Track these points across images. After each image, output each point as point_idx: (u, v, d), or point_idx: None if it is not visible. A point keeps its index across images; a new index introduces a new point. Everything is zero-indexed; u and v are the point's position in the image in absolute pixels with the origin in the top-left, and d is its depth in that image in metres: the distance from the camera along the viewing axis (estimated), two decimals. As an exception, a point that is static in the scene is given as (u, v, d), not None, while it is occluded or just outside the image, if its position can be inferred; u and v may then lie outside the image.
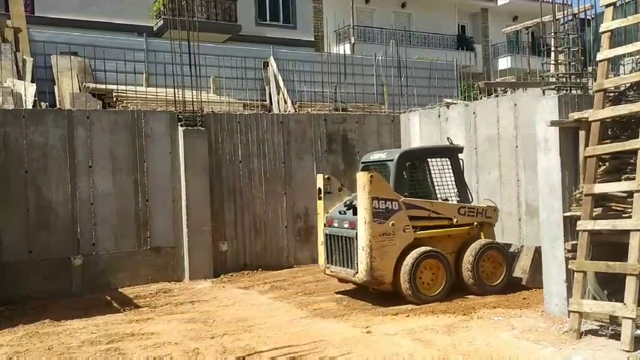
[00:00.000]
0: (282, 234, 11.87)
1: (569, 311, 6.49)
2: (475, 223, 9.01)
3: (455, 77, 17.63)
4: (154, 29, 19.97)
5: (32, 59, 12.88)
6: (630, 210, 6.19)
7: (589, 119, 6.75)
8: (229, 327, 7.42)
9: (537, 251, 8.80)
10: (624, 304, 5.89)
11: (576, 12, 7.95)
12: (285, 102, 14.72)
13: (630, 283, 5.88)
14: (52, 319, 8.09)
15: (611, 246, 6.41)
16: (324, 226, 9.11)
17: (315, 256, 9.78)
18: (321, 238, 9.25)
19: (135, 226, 10.54)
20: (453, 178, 9.19)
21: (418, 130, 12.94)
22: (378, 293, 8.52)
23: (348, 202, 8.87)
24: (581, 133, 6.87)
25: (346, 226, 8.60)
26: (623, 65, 8.91)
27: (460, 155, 9.35)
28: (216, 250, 11.11)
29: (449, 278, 8.44)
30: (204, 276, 10.71)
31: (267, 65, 15.77)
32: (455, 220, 8.78)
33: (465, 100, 13.91)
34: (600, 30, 7.10)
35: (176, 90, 11.09)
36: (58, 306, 8.92)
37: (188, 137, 10.88)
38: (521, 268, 9.01)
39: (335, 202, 9.13)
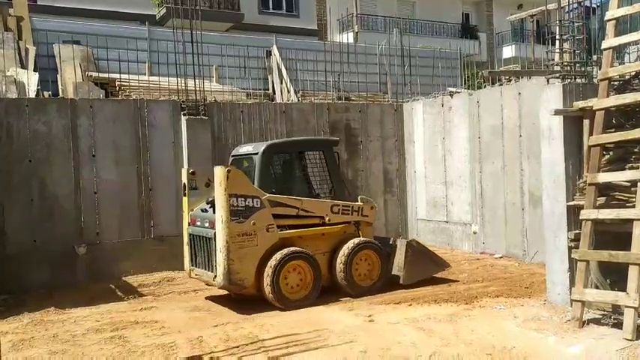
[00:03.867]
0: (285, 223, 11.87)
1: (572, 300, 6.50)
2: (352, 222, 8.52)
3: (459, 66, 17.56)
4: (157, 18, 19.92)
5: (35, 48, 12.87)
6: (634, 199, 6.17)
7: (593, 108, 6.71)
8: (232, 315, 7.46)
9: (409, 246, 8.67)
10: (627, 293, 5.89)
11: (581, 0, 7.87)
12: (288, 91, 14.69)
13: (633, 273, 5.88)
14: (57, 308, 8.16)
15: (614, 235, 6.40)
16: (188, 225, 8.46)
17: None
18: (185, 238, 8.59)
19: (138, 216, 10.58)
20: (327, 174, 8.62)
21: (421, 119, 12.92)
22: (242, 298, 7.99)
23: (210, 199, 8.06)
24: (586, 122, 6.84)
25: (207, 225, 7.91)
26: (629, 54, 8.85)
27: (335, 148, 8.83)
28: (220, 239, 11.13)
29: (317, 280, 7.90)
30: (208, 265, 10.74)
31: (270, 54, 15.72)
32: (327, 219, 8.23)
33: (468, 89, 13.84)
34: (605, 18, 7.04)
35: (179, 79, 11.07)
36: (63, 294, 8.98)
37: (191, 126, 10.87)
38: (397, 266, 8.62)
39: (202, 198, 8.41)
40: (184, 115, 10.94)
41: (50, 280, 9.61)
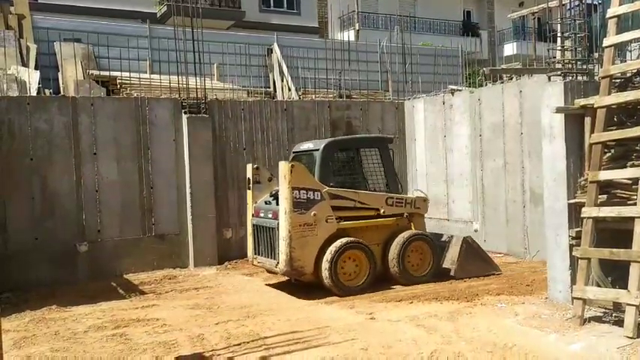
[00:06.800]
0: (287, 221, 11.87)
1: (573, 298, 6.49)
2: (405, 214, 8.95)
3: (460, 64, 17.54)
4: (158, 16, 19.90)
5: (36, 46, 12.88)
6: (635, 197, 6.16)
7: (595, 106, 6.69)
8: (234, 313, 7.47)
9: (465, 241, 9.03)
10: (628, 291, 5.89)
11: (583, -3, 7.86)
12: (289, 89, 14.69)
13: (634, 270, 5.87)
14: (58, 305, 8.17)
15: (615, 233, 6.39)
16: (252, 216, 9.05)
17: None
18: (249, 228, 9.18)
19: (139, 213, 10.59)
20: (382, 168, 9.08)
21: (422, 117, 12.90)
22: (302, 284, 8.51)
23: (273, 192, 8.73)
24: (587, 120, 6.83)
25: (270, 216, 8.50)
26: (630, 51, 8.83)
27: (390, 145, 9.26)
28: (221, 237, 11.15)
29: (372, 269, 8.37)
30: (209, 263, 10.76)
31: (271, 52, 15.72)
32: (382, 211, 8.71)
33: (469, 86, 13.82)
34: (607, 15, 7.02)
35: (180, 77, 11.06)
36: (64, 292, 8.99)
37: (192, 124, 10.87)
38: (450, 259, 9.00)
39: (264, 192, 9.05)
40: (185, 113, 10.94)
41: (51, 277, 9.62)
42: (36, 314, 7.80)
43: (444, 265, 9.01)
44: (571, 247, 6.81)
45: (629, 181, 6.35)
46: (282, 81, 15.08)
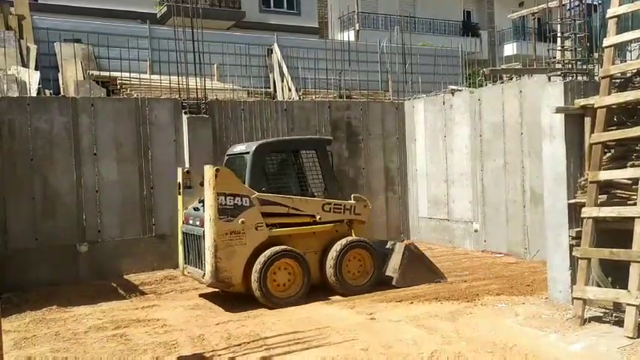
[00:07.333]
0: (287, 221, 11.86)
1: (573, 298, 6.50)
2: (345, 221, 8.51)
3: (460, 64, 17.53)
4: (158, 16, 19.90)
5: (36, 47, 12.87)
6: (635, 197, 6.16)
7: (595, 106, 6.70)
8: (233, 314, 7.47)
9: (407, 249, 8.67)
10: (628, 291, 5.89)
11: (583, -3, 7.86)
12: (289, 89, 14.69)
13: (634, 270, 5.88)
14: (59, 306, 8.18)
15: (615, 233, 6.39)
16: (182, 223, 8.54)
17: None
18: (179, 236, 8.70)
19: (140, 214, 10.59)
20: (320, 172, 8.61)
21: (423, 117, 12.91)
22: (232, 295, 8.07)
23: (202, 198, 7.96)
24: (587, 120, 6.83)
25: (197, 223, 7.96)
26: (630, 51, 8.83)
27: (328, 147, 8.76)
28: (221, 237, 11.13)
29: (306, 279, 7.90)
30: (209, 263, 10.74)
31: (271, 52, 15.71)
32: (318, 217, 8.23)
33: (469, 87, 13.82)
34: (607, 15, 7.02)
35: (180, 77, 11.07)
36: (65, 292, 9.00)
37: (192, 125, 10.88)
38: (392, 267, 8.61)
39: (196, 197, 8.45)
40: (185, 113, 10.94)
41: (52, 278, 9.63)
42: (36, 315, 7.80)
43: (386, 274, 8.60)
44: (571, 247, 6.81)
45: (629, 181, 6.35)
46: (283, 81, 15.08)
